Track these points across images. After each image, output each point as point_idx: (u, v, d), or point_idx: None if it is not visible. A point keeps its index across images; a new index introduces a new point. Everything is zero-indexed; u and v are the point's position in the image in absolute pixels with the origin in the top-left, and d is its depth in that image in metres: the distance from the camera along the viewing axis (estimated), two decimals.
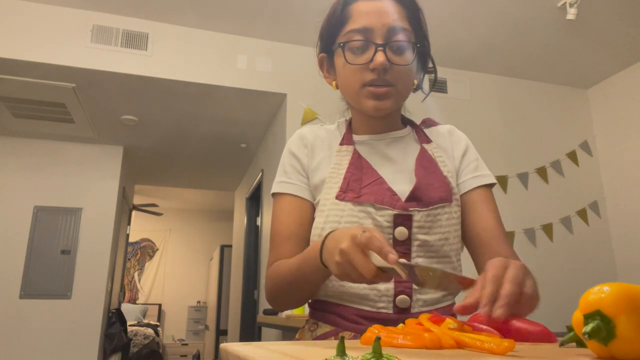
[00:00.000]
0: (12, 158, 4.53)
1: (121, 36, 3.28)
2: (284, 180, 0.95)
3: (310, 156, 0.95)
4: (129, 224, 6.17)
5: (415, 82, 0.94)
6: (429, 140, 0.97)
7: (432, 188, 0.88)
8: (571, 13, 3.02)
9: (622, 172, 3.87)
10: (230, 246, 7.21)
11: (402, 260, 0.61)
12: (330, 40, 0.93)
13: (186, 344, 8.11)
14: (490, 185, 0.96)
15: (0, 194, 4.43)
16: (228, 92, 3.53)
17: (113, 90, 3.55)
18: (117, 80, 3.37)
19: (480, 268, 0.91)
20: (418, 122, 1.04)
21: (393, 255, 0.60)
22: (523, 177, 3.83)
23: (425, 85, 1.00)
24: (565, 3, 3.06)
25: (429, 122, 1.04)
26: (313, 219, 0.92)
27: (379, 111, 0.88)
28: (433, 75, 0.98)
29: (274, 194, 0.96)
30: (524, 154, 3.89)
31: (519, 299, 0.60)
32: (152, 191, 7.60)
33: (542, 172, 3.88)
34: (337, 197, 0.87)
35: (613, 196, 3.94)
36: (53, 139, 4.64)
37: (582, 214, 3.88)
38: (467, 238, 0.93)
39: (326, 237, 0.71)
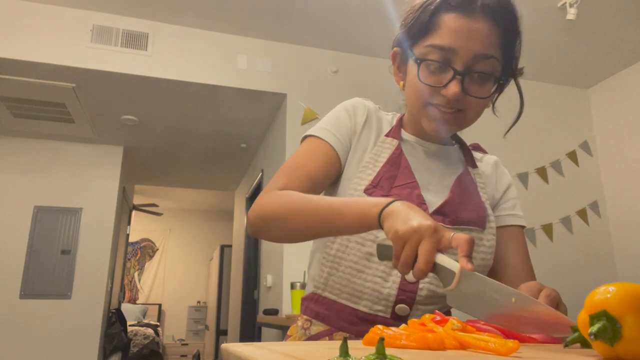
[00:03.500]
0: (12, 158, 4.53)
1: (121, 36, 3.27)
2: (331, 130, 0.89)
3: (363, 127, 0.91)
4: (129, 224, 6.17)
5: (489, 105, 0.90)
6: (474, 165, 0.95)
7: (464, 208, 0.85)
8: (571, 13, 3.02)
9: (622, 172, 3.87)
10: (230, 246, 7.20)
11: (479, 274, 0.59)
12: (408, 42, 0.86)
13: (186, 344, 8.10)
14: (523, 228, 0.96)
15: (0, 194, 4.43)
16: (228, 92, 3.53)
17: (113, 90, 3.55)
18: (117, 80, 3.36)
19: None
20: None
21: (472, 265, 0.58)
22: (523, 177, 3.83)
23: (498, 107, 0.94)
24: (565, 3, 3.06)
25: (477, 148, 1.02)
26: (332, 180, 0.89)
27: (438, 133, 0.84)
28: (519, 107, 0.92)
29: (311, 136, 0.89)
30: (524, 154, 3.89)
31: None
32: (152, 191, 7.60)
33: (542, 172, 3.88)
34: (365, 190, 0.83)
35: (613, 196, 3.94)
36: (53, 139, 4.64)
37: (582, 214, 3.88)
38: (492, 271, 0.91)
39: (395, 200, 0.67)
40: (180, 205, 8.82)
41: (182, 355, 7.90)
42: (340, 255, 0.83)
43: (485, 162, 1.00)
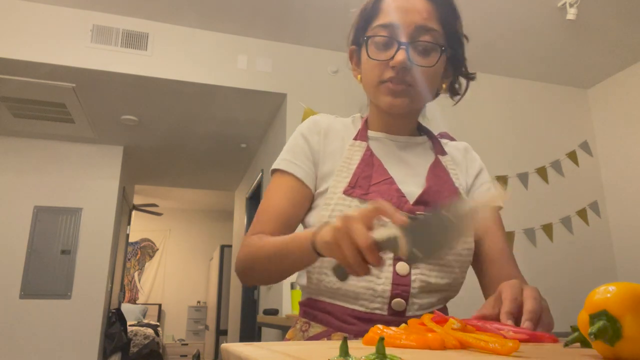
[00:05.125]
0: (12, 158, 4.53)
1: (121, 36, 3.27)
2: (288, 159, 0.92)
3: (322, 144, 0.93)
4: (129, 224, 6.17)
5: (444, 85, 0.93)
6: (444, 153, 0.97)
7: (441, 196, 0.87)
8: (571, 13, 3.02)
9: (622, 172, 3.87)
10: (230, 246, 7.20)
11: (414, 216, 0.60)
12: (359, 33, 0.92)
13: (186, 344, 8.10)
14: (499, 208, 0.97)
15: (0, 194, 4.43)
16: (228, 92, 3.53)
17: (113, 90, 3.55)
18: (117, 80, 3.36)
19: (485, 285, 0.91)
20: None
21: (405, 218, 0.59)
22: (523, 177, 3.82)
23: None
24: (565, 3, 3.06)
25: (445, 136, 1.04)
26: (307, 206, 0.91)
27: (394, 108, 0.87)
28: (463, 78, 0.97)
29: (275, 170, 0.93)
30: (524, 154, 3.89)
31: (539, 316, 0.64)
32: (152, 191, 7.59)
33: (542, 172, 3.88)
34: (344, 192, 0.85)
35: (613, 196, 3.94)
36: (53, 139, 4.64)
37: (582, 214, 3.88)
38: (474, 254, 0.92)
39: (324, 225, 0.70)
40: (180, 205, 8.82)
41: (182, 355, 7.89)
42: (328, 260, 0.82)
43: (455, 147, 1.01)
